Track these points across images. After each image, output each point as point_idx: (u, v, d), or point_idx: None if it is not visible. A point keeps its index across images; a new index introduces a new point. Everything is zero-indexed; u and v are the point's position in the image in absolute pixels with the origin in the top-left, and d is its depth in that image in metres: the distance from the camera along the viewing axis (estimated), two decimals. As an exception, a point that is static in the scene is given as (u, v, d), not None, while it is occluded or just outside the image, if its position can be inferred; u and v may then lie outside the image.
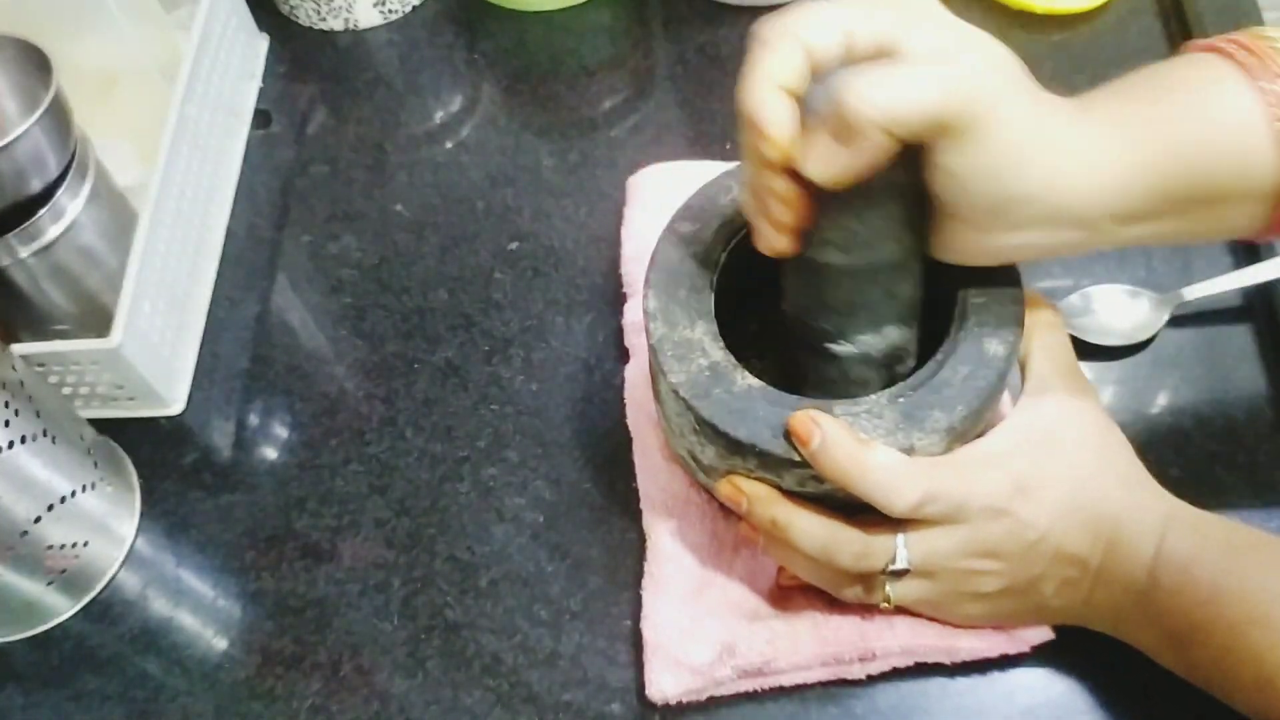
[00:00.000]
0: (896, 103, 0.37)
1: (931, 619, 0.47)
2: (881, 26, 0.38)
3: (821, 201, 0.40)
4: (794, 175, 0.39)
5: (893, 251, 0.43)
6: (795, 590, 0.49)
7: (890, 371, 0.47)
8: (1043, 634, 0.47)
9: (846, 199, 0.40)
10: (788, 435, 0.42)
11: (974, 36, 0.39)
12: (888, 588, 0.45)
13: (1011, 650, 0.47)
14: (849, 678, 0.48)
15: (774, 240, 0.42)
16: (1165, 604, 0.42)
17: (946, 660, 0.48)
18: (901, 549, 0.43)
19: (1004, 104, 0.38)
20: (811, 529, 0.43)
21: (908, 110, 0.37)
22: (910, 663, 0.48)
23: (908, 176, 0.40)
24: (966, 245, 0.42)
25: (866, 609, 0.47)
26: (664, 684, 0.48)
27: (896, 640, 0.47)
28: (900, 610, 0.46)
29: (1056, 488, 0.43)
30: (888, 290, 0.44)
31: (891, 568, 0.43)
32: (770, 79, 0.38)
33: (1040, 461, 0.43)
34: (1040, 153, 0.39)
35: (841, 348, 0.45)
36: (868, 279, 0.43)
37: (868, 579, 0.45)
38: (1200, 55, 0.42)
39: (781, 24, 0.39)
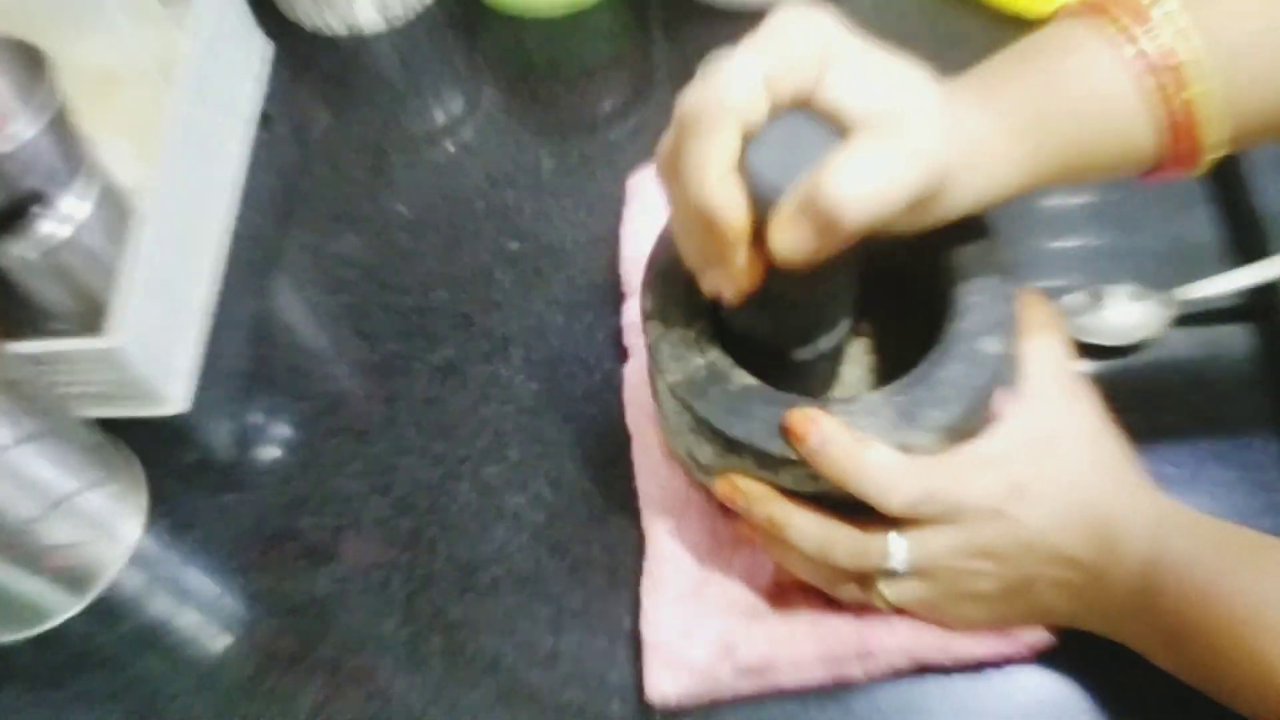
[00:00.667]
0: (881, 199, 0.36)
1: (929, 621, 0.47)
2: (800, 73, 0.38)
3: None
4: (751, 243, 0.39)
5: (847, 279, 0.44)
6: (794, 589, 0.49)
7: (840, 353, 0.48)
8: (1041, 636, 0.47)
9: None
10: (784, 433, 0.42)
11: (886, 63, 0.39)
12: (884, 588, 0.45)
13: (1010, 652, 0.47)
14: (848, 677, 0.48)
15: (730, 296, 0.41)
16: (1161, 605, 0.42)
17: (945, 661, 0.48)
18: (898, 548, 0.43)
19: (951, 151, 0.38)
20: (808, 527, 0.43)
21: (893, 202, 0.37)
22: (909, 663, 0.48)
23: None
24: (935, 219, 0.43)
25: (865, 608, 0.47)
26: (663, 683, 0.48)
27: (895, 640, 0.47)
28: (898, 610, 0.46)
29: (1053, 489, 0.43)
30: (842, 301, 0.45)
31: (888, 567, 0.43)
32: (718, 168, 0.38)
33: (1037, 463, 0.43)
34: (972, 178, 0.40)
35: (800, 355, 0.46)
36: (825, 302, 0.44)
37: (864, 578, 0.45)
38: (1076, 27, 0.42)
39: (710, 99, 0.38)
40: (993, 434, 0.44)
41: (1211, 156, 0.42)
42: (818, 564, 0.44)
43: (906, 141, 0.37)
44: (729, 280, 0.41)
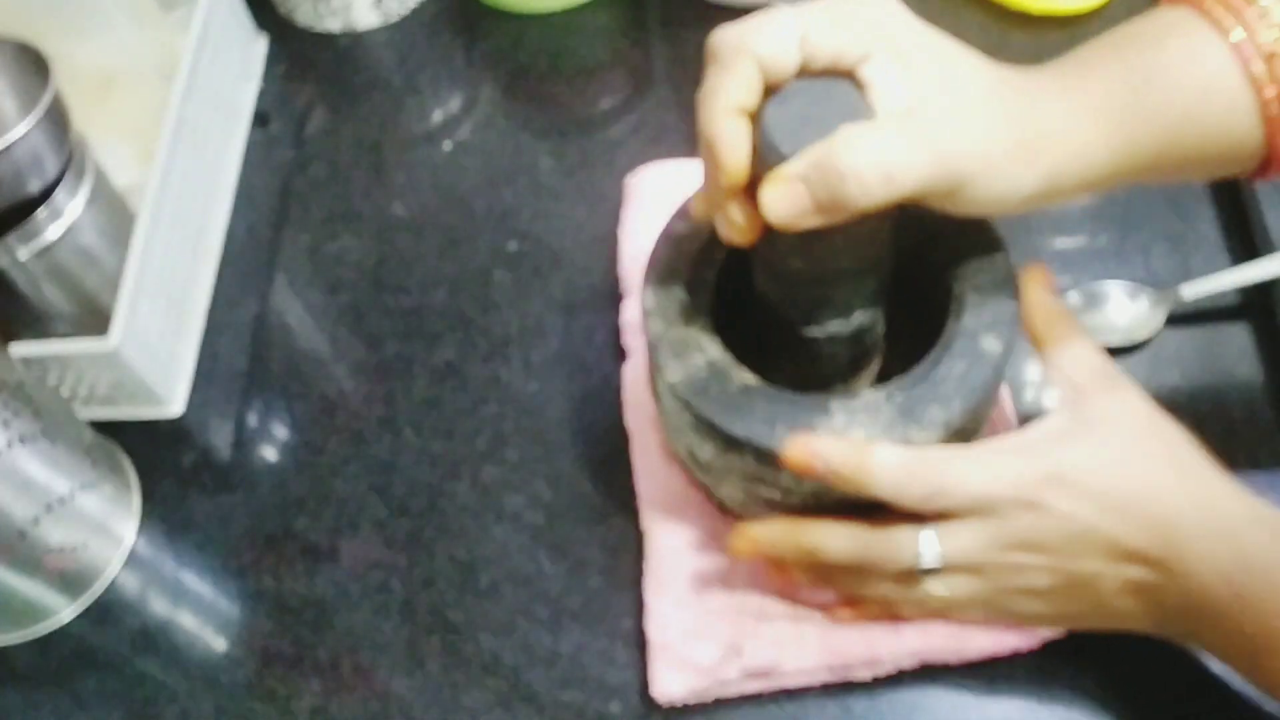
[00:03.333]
0: (888, 184, 0.36)
1: (990, 622, 0.46)
2: (841, 42, 0.38)
3: None
4: (749, 193, 0.39)
5: (854, 262, 0.43)
6: (799, 591, 0.49)
7: (859, 345, 0.47)
8: (1051, 631, 0.46)
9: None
10: (788, 468, 0.42)
11: (940, 53, 0.39)
12: (929, 585, 0.43)
13: (1023, 646, 0.47)
14: (854, 680, 0.48)
15: (732, 239, 0.42)
16: (1244, 611, 0.39)
17: (955, 660, 0.47)
18: (928, 543, 0.42)
19: (984, 148, 0.38)
20: (839, 541, 0.43)
21: (898, 190, 0.36)
22: (918, 665, 0.48)
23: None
24: (971, 212, 0.41)
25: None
26: (669, 684, 0.48)
27: (904, 644, 0.47)
28: (943, 614, 0.45)
29: (1100, 479, 0.41)
30: (853, 288, 0.44)
31: (922, 564, 0.42)
32: (727, 103, 0.38)
33: (1081, 452, 0.41)
34: (1031, 161, 0.39)
35: (810, 332, 0.45)
36: (830, 281, 0.43)
37: (909, 579, 0.43)
38: (1177, 14, 0.41)
39: (736, 37, 0.38)
40: (1032, 426, 0.43)
41: None
42: (863, 573, 0.44)
43: (924, 133, 0.37)
44: (728, 225, 0.41)
